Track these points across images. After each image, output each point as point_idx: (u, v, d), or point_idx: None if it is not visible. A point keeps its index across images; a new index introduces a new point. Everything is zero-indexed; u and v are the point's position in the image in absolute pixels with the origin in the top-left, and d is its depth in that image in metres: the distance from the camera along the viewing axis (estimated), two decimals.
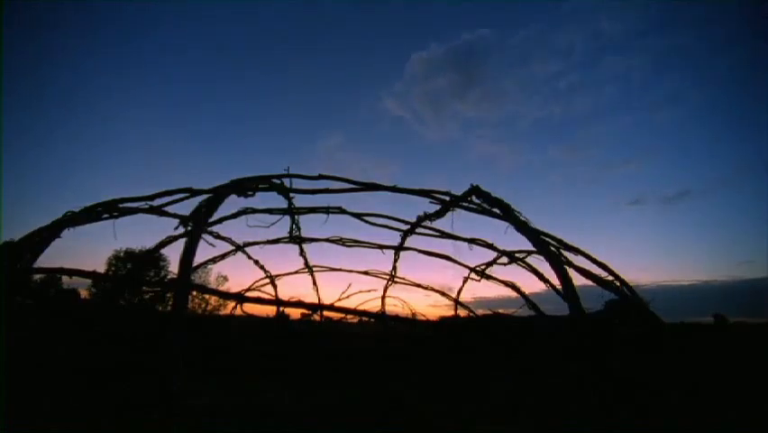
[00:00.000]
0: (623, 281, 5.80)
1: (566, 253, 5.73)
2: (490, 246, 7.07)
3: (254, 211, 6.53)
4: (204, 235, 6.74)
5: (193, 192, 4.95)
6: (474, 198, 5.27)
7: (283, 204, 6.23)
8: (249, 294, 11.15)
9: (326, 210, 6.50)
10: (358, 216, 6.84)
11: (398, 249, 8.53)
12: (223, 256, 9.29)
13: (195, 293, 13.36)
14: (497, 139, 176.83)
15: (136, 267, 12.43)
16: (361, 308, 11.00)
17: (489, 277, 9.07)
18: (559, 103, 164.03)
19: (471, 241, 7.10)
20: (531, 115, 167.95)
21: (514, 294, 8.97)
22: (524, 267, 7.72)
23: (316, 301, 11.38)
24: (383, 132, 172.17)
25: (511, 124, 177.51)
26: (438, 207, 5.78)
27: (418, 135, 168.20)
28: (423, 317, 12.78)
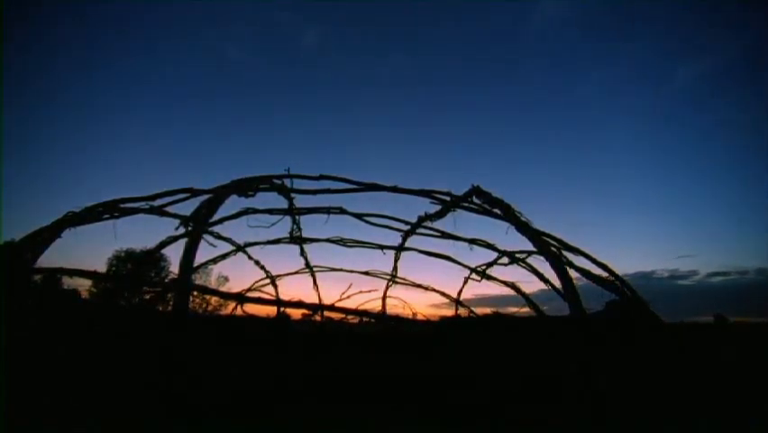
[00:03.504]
0: (623, 281, 5.81)
1: (566, 254, 5.73)
2: (491, 247, 7.07)
3: (255, 211, 6.52)
4: (204, 236, 6.72)
5: (194, 192, 4.95)
6: (475, 198, 5.28)
7: (284, 204, 6.23)
8: (249, 294, 11.14)
9: (327, 210, 6.50)
10: (358, 216, 6.84)
11: (399, 249, 8.53)
12: (223, 256, 9.27)
13: (195, 293, 13.37)
14: None
15: (137, 267, 12.44)
16: (362, 308, 11.03)
17: (489, 277, 9.07)
18: None
19: (472, 241, 7.10)
20: None
21: (515, 294, 8.98)
22: (524, 267, 7.72)
23: (317, 301, 11.39)
24: None
25: None
26: (439, 207, 5.78)
27: None
28: (423, 317, 12.81)
